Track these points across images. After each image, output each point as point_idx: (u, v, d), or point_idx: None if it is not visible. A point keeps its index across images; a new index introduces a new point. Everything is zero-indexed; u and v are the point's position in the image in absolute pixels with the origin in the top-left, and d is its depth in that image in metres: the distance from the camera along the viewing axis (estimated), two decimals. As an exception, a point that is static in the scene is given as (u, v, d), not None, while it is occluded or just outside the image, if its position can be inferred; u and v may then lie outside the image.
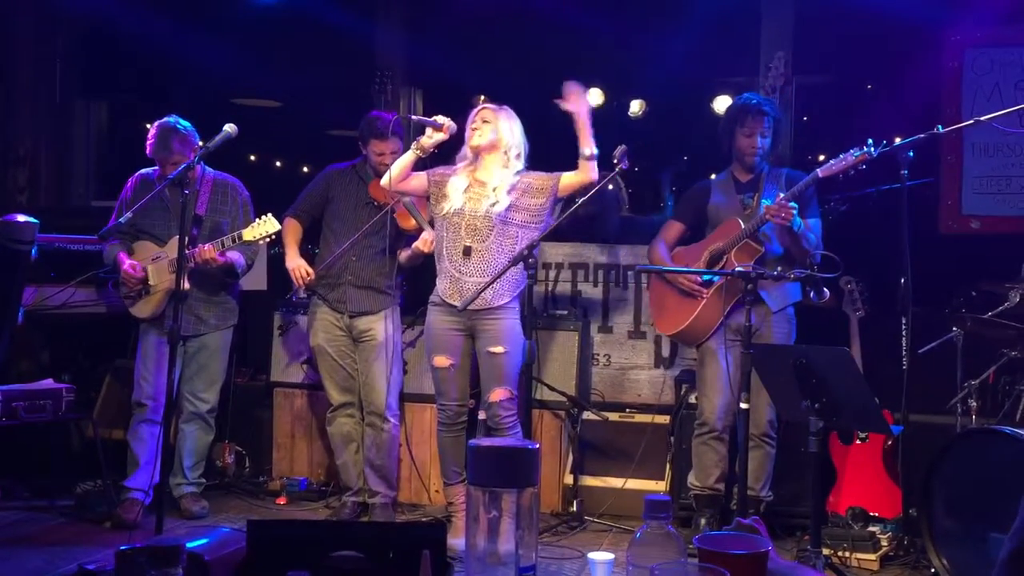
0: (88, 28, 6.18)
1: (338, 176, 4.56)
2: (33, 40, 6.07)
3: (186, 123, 4.39)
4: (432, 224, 4.23)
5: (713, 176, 4.37)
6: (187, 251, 4.12)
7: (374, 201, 4.43)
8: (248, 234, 4.21)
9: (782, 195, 3.93)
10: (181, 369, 4.43)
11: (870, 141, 3.73)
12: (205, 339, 4.47)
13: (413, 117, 4.10)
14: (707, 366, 4.18)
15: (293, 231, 4.51)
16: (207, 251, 4.21)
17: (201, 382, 4.50)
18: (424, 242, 4.24)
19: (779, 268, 3.80)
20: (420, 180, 4.12)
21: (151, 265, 4.37)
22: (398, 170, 4.04)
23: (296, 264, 4.41)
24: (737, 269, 3.80)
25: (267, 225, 4.22)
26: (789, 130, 4.99)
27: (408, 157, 4.03)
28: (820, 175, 3.87)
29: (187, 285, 4.12)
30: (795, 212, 3.85)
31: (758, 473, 4.07)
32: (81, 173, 6.43)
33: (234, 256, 4.37)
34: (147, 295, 4.39)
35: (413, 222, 4.32)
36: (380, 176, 4.41)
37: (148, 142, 4.37)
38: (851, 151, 3.78)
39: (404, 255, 4.41)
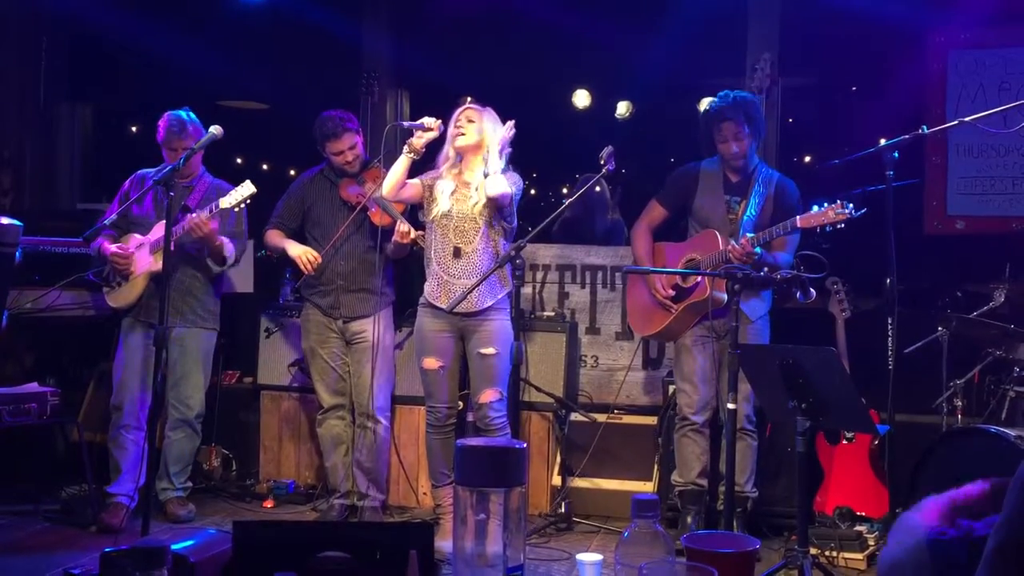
0: (73, 30, 6.16)
1: (310, 184, 4.55)
2: (18, 42, 6.03)
3: (194, 115, 4.40)
4: (418, 223, 4.24)
5: (704, 163, 4.26)
6: (179, 225, 4.16)
7: (347, 203, 4.41)
8: (225, 202, 4.19)
9: (750, 235, 3.86)
10: (164, 374, 4.39)
11: (851, 205, 3.62)
12: (185, 341, 4.43)
13: (404, 124, 4.08)
14: (683, 360, 4.20)
15: (280, 234, 4.51)
16: (194, 218, 4.15)
17: (186, 388, 4.47)
18: (401, 234, 4.20)
19: (765, 269, 3.80)
20: (415, 188, 4.12)
21: (135, 253, 4.36)
22: (393, 180, 4.02)
23: (300, 251, 4.37)
24: (724, 268, 3.81)
25: (243, 190, 4.20)
26: (766, 120, 4.85)
27: (402, 163, 4.01)
28: (798, 224, 3.76)
29: (159, 265, 4.11)
30: (758, 255, 3.83)
31: (741, 466, 4.07)
32: (66, 176, 6.40)
33: (227, 242, 4.35)
34: (125, 282, 4.37)
35: (387, 217, 4.30)
36: (346, 175, 4.42)
37: (161, 130, 4.35)
38: (834, 204, 3.65)
39: (388, 249, 4.39)
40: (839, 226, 3.66)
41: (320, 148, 4.45)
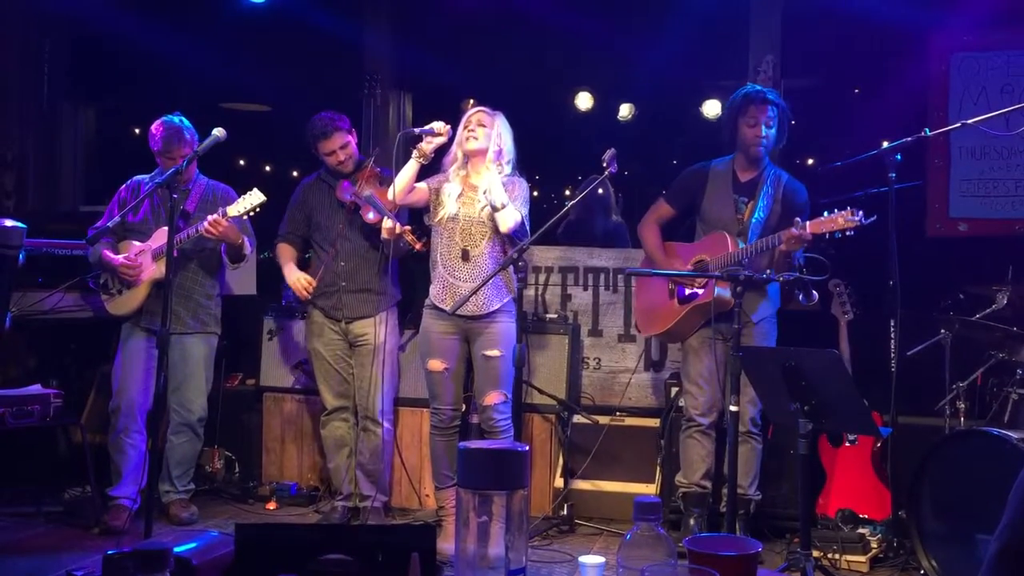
0: (76, 32, 6.17)
1: (309, 189, 4.57)
2: (21, 44, 6.04)
3: (187, 120, 4.40)
4: (424, 228, 4.24)
5: (715, 162, 4.23)
6: (184, 231, 4.19)
7: (344, 204, 4.42)
8: (233, 210, 4.20)
9: (799, 220, 3.76)
10: (166, 379, 4.40)
11: (860, 212, 3.59)
12: (186, 345, 4.43)
13: (415, 130, 4.08)
14: (691, 361, 4.19)
15: (287, 253, 4.53)
16: (211, 219, 4.17)
17: (188, 392, 4.47)
18: (386, 230, 4.17)
19: (767, 271, 3.80)
20: (422, 193, 4.13)
21: (140, 261, 4.37)
22: (402, 184, 4.03)
23: (295, 277, 4.41)
24: (726, 270, 3.81)
25: (252, 198, 4.21)
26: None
27: (411, 167, 4.04)
28: (808, 229, 3.71)
29: (162, 272, 4.15)
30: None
31: (745, 469, 4.06)
32: (69, 177, 6.40)
33: (245, 238, 4.37)
34: (126, 291, 4.38)
35: (377, 215, 4.30)
36: (340, 176, 4.43)
37: (155, 136, 4.34)
38: (844, 211, 3.62)
39: (385, 247, 4.39)
40: (848, 233, 3.64)
41: (313, 150, 4.46)
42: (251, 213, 4.25)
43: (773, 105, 4.02)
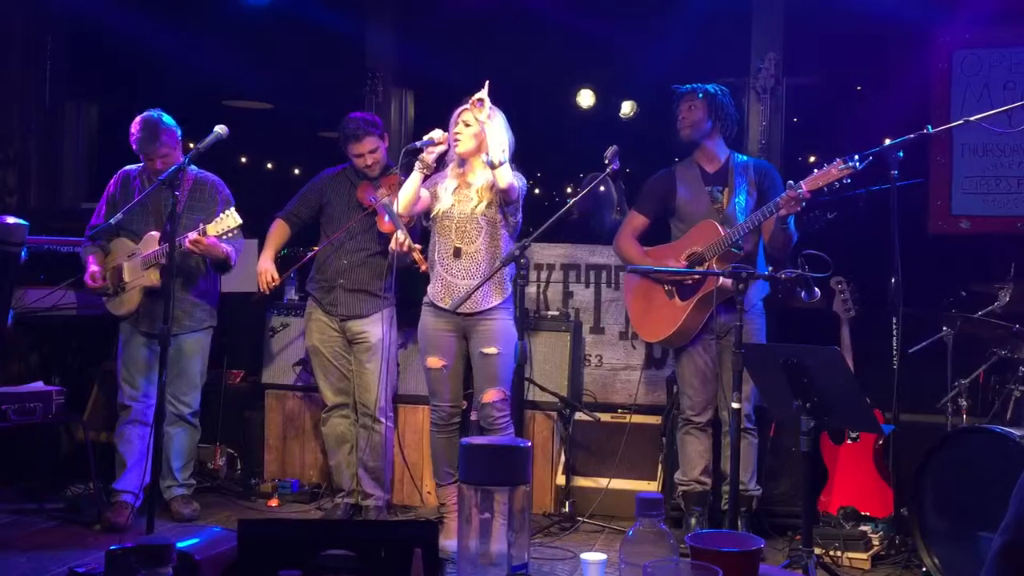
0: (78, 29, 6.17)
1: (330, 181, 4.58)
2: (23, 41, 6.04)
3: (168, 117, 4.37)
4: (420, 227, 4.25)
5: (676, 161, 4.28)
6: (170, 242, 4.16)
7: (361, 205, 4.43)
8: (212, 229, 4.19)
9: (792, 183, 3.75)
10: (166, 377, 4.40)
11: (856, 156, 3.57)
12: (181, 342, 4.42)
13: (416, 144, 4.08)
14: (684, 364, 4.19)
15: (277, 233, 4.54)
16: (192, 237, 4.15)
17: (182, 385, 4.46)
18: (397, 242, 4.16)
19: (770, 268, 3.80)
20: (426, 200, 4.13)
21: (126, 263, 4.36)
22: (408, 196, 4.03)
23: (264, 267, 4.43)
24: (729, 269, 3.80)
25: (228, 220, 4.19)
26: (770, 120, 4.89)
27: (415, 180, 4.03)
28: (804, 187, 3.66)
29: (156, 279, 4.19)
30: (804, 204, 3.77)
31: (743, 464, 4.03)
32: (71, 175, 6.41)
33: (227, 248, 4.36)
34: (121, 292, 4.38)
35: (391, 224, 4.30)
36: (365, 177, 4.43)
37: (133, 136, 4.34)
38: (835, 162, 3.60)
39: (389, 256, 4.39)
40: (845, 181, 3.62)
41: (342, 148, 4.47)
42: (227, 235, 4.24)
43: (689, 93, 4.18)
